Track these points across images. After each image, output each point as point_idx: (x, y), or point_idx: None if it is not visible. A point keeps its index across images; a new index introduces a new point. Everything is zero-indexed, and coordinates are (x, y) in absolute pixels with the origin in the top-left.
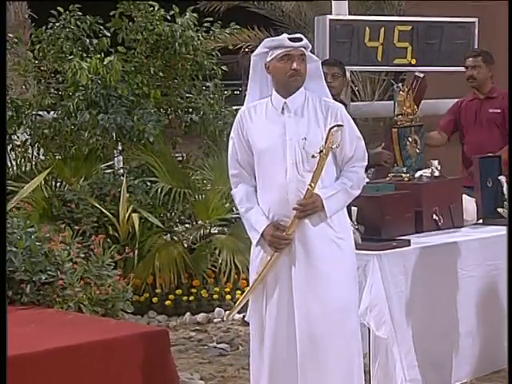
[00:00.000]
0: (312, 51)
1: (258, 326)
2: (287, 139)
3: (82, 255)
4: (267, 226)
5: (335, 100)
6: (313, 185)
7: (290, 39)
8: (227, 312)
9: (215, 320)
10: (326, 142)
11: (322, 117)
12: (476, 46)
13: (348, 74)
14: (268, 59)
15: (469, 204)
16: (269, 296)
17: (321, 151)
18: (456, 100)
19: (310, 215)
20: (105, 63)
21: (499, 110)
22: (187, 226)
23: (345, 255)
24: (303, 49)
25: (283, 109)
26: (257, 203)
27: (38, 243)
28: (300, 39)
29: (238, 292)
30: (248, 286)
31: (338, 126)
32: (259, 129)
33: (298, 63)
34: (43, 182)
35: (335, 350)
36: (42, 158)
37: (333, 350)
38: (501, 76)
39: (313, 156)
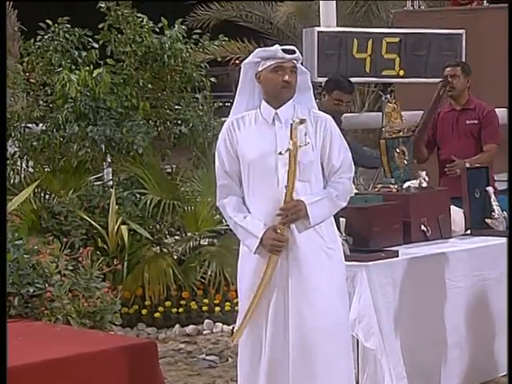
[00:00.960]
0: (301, 63)
1: (253, 337)
2: (278, 150)
3: (71, 267)
4: (266, 230)
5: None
6: (290, 184)
7: (283, 50)
8: (233, 335)
9: (204, 332)
10: (291, 138)
11: (311, 128)
12: (463, 58)
13: None
14: (259, 69)
15: (456, 215)
16: (263, 308)
17: (288, 149)
18: None
19: (294, 220)
20: (94, 75)
21: (476, 121)
22: (176, 237)
23: (335, 265)
24: (295, 61)
25: (274, 119)
26: (248, 212)
27: (26, 256)
28: (293, 51)
29: (228, 304)
30: (237, 297)
31: (301, 120)
32: (249, 139)
33: (289, 75)
34: (32, 195)
35: (327, 359)
36: (30, 170)
37: (324, 359)
38: (486, 86)
39: (280, 153)
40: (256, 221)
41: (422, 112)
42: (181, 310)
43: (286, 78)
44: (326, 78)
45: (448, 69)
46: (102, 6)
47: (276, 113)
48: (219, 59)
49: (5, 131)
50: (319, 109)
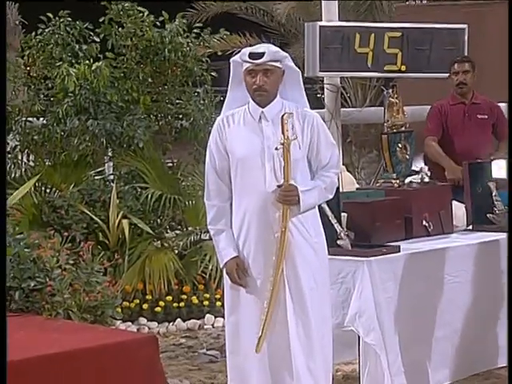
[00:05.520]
0: (302, 57)
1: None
2: (265, 147)
3: (72, 262)
4: (231, 259)
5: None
6: (286, 175)
7: (250, 55)
8: (257, 346)
9: (205, 326)
10: (282, 133)
11: (298, 125)
12: (466, 53)
13: (338, 80)
14: (242, 69)
15: (458, 210)
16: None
17: (282, 143)
18: (432, 105)
19: (290, 202)
20: (93, 69)
21: (486, 116)
22: (177, 232)
23: (319, 260)
24: (272, 62)
25: (260, 118)
26: (229, 225)
27: (26, 250)
28: (261, 55)
29: None
30: None
31: (289, 113)
32: (237, 136)
33: (261, 78)
34: (33, 189)
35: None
36: (31, 164)
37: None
38: (489, 81)
39: (276, 148)
40: (228, 241)
41: (423, 107)
42: (182, 304)
43: (257, 82)
44: (328, 73)
45: (457, 65)
46: None
47: (262, 111)
48: (219, 53)
49: (5, 129)
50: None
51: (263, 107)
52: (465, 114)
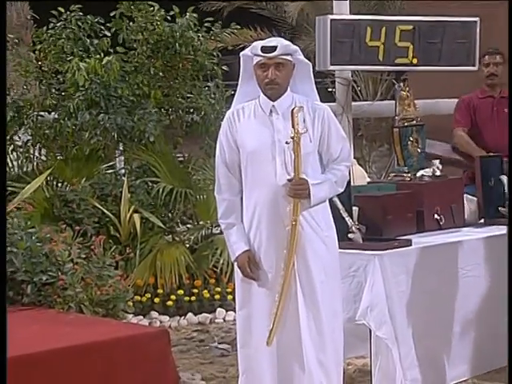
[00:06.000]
0: (313, 51)
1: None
2: (276, 141)
3: (83, 256)
4: (242, 253)
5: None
6: (296, 169)
7: (262, 48)
8: (268, 339)
9: (217, 320)
10: (292, 126)
11: (309, 118)
12: (478, 46)
13: (349, 73)
14: (253, 63)
15: (470, 203)
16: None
17: (292, 137)
18: (461, 98)
19: (300, 196)
20: (104, 63)
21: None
22: (189, 226)
23: (330, 254)
24: (284, 56)
25: (271, 111)
26: (240, 219)
27: (38, 244)
28: (273, 48)
29: None
30: None
31: (299, 107)
32: (248, 130)
33: (273, 72)
34: (44, 183)
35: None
36: (43, 158)
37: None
38: (502, 76)
39: (286, 142)
40: (239, 235)
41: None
42: (193, 298)
43: (269, 75)
44: (339, 67)
45: (488, 56)
46: None
47: (273, 105)
48: (230, 47)
49: (5, 128)
50: None
51: (274, 101)
52: (493, 107)
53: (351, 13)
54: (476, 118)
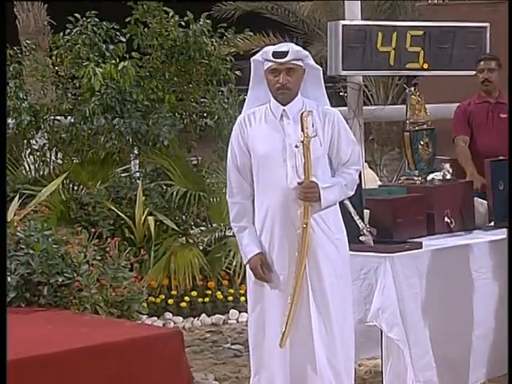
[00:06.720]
0: (325, 56)
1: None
2: (287, 145)
3: (99, 257)
4: (255, 255)
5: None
6: (307, 173)
7: (274, 53)
8: (281, 341)
9: (230, 321)
10: (302, 130)
11: (319, 123)
12: (488, 51)
13: (361, 78)
14: (264, 68)
15: (480, 207)
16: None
17: (302, 141)
18: (459, 104)
19: (311, 199)
20: (119, 68)
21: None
22: (202, 228)
23: (341, 256)
24: (295, 61)
25: (282, 116)
26: (251, 222)
27: (54, 246)
28: (285, 54)
29: None
30: None
31: (308, 111)
32: (259, 134)
33: (284, 77)
34: (61, 186)
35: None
36: (59, 161)
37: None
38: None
39: (296, 146)
40: (252, 238)
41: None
42: (206, 299)
43: (280, 80)
44: (350, 72)
45: (483, 62)
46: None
47: (284, 110)
48: (242, 53)
49: (5, 128)
50: None
51: (284, 105)
52: (488, 113)
53: (363, 15)
54: (471, 124)
